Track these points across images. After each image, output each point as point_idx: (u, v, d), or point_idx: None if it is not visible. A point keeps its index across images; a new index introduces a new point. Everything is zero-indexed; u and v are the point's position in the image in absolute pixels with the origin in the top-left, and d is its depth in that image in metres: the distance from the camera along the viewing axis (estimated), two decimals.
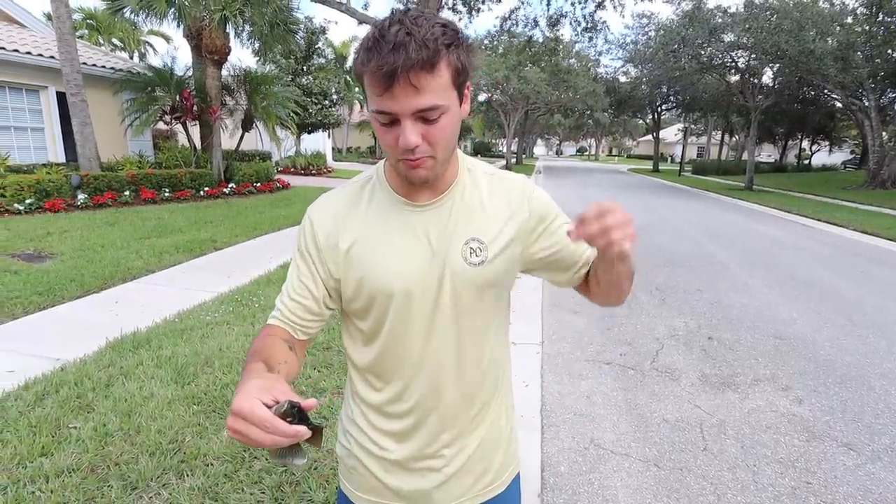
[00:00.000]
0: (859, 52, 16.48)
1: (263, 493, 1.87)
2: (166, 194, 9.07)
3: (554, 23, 13.54)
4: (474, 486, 0.87)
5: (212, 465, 2.01)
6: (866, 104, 18.55)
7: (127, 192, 8.57)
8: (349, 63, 27.65)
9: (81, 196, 8.00)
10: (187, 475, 1.95)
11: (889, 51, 16.90)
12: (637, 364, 3.25)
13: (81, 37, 17.07)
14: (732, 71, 20.63)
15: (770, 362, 3.31)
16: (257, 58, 16.94)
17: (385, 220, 0.79)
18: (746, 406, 2.74)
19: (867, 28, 16.87)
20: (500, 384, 0.89)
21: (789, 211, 12.50)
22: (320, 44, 22.36)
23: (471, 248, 0.78)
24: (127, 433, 2.20)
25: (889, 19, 16.44)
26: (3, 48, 8.73)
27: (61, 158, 10.07)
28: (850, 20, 17.30)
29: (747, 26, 16.70)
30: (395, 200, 0.80)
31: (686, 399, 2.80)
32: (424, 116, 0.66)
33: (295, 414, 0.56)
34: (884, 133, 19.75)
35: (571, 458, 2.25)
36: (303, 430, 0.56)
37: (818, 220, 10.93)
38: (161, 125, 11.36)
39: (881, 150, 18.80)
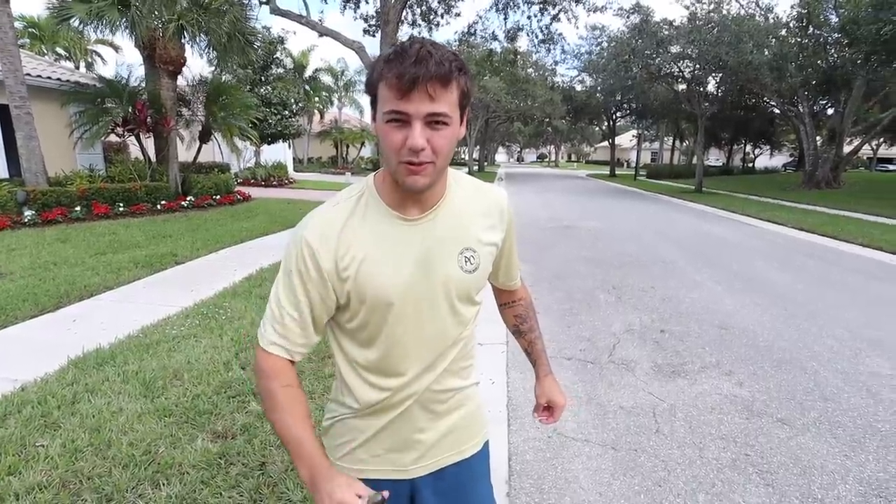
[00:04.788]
0: (792, 63, 17.76)
1: (242, 495, 1.92)
2: (121, 209, 8.78)
3: (512, 37, 13.99)
4: (453, 448, 1.00)
5: (188, 473, 2.04)
6: (801, 110, 19.94)
7: (78, 208, 8.26)
8: (308, 73, 27.46)
9: (28, 213, 7.66)
10: (163, 484, 1.97)
11: (819, 61, 18.28)
12: (596, 358, 3.45)
13: (23, 46, 16.25)
14: (680, 80, 21.78)
15: (715, 350, 3.59)
16: (214, 68, 16.65)
17: (381, 237, 0.85)
18: (694, 391, 2.97)
19: (799, 40, 18.22)
20: (474, 361, 1.03)
21: (735, 211, 13.28)
22: (278, 54, 22.14)
23: (465, 256, 0.89)
24: (97, 448, 2.19)
25: (818, 32, 17.81)
26: None
27: (3, 174, 9.60)
28: (784, 32, 18.64)
29: (691, 38, 17.73)
30: (389, 215, 0.85)
31: (640, 387, 3.01)
32: (433, 121, 0.75)
33: (379, 502, 0.79)
34: (818, 137, 21.25)
35: (536, 446, 2.40)
36: None
37: (761, 219, 11.68)
38: (113, 137, 10.99)
39: (815, 153, 20.24)
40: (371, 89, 0.79)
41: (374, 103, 0.80)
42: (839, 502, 2.05)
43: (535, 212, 11.55)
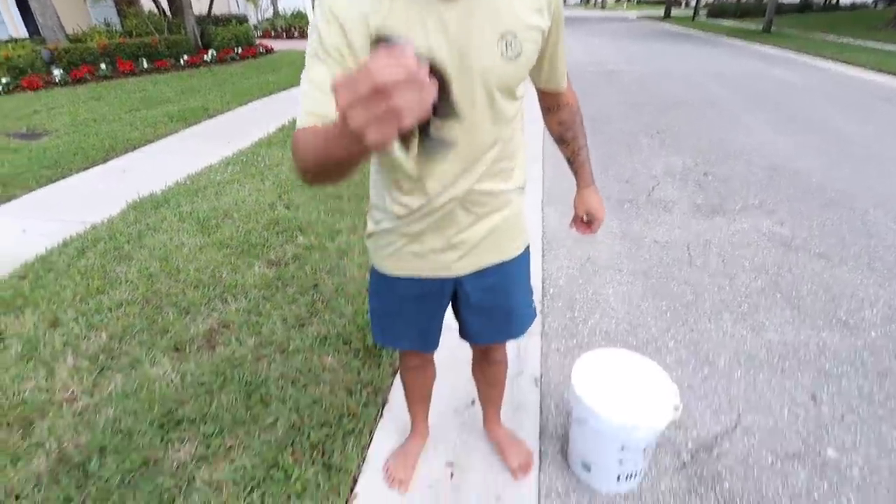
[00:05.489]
0: None
1: (300, 308, 2.15)
2: (145, 65, 8.58)
3: None
4: (494, 248, 1.04)
5: (250, 292, 2.27)
6: None
7: (104, 66, 8.11)
8: None
9: (57, 72, 7.60)
10: (231, 301, 2.22)
11: None
12: (634, 198, 3.41)
13: None
14: None
15: (761, 191, 3.47)
16: None
17: (414, 19, 0.76)
18: (732, 228, 2.95)
19: None
20: (521, 163, 1.01)
21: (807, 53, 11.76)
22: None
23: (507, 41, 0.79)
24: (169, 273, 2.44)
25: None
26: None
27: (23, 32, 9.36)
28: None
29: None
30: None
31: (676, 225, 3.01)
32: None
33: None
34: None
35: (569, 273, 2.51)
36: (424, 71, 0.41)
37: (837, 61, 10.34)
38: None
39: None
40: None
41: None
42: (863, 324, 2.12)
43: (576, 56, 10.57)
